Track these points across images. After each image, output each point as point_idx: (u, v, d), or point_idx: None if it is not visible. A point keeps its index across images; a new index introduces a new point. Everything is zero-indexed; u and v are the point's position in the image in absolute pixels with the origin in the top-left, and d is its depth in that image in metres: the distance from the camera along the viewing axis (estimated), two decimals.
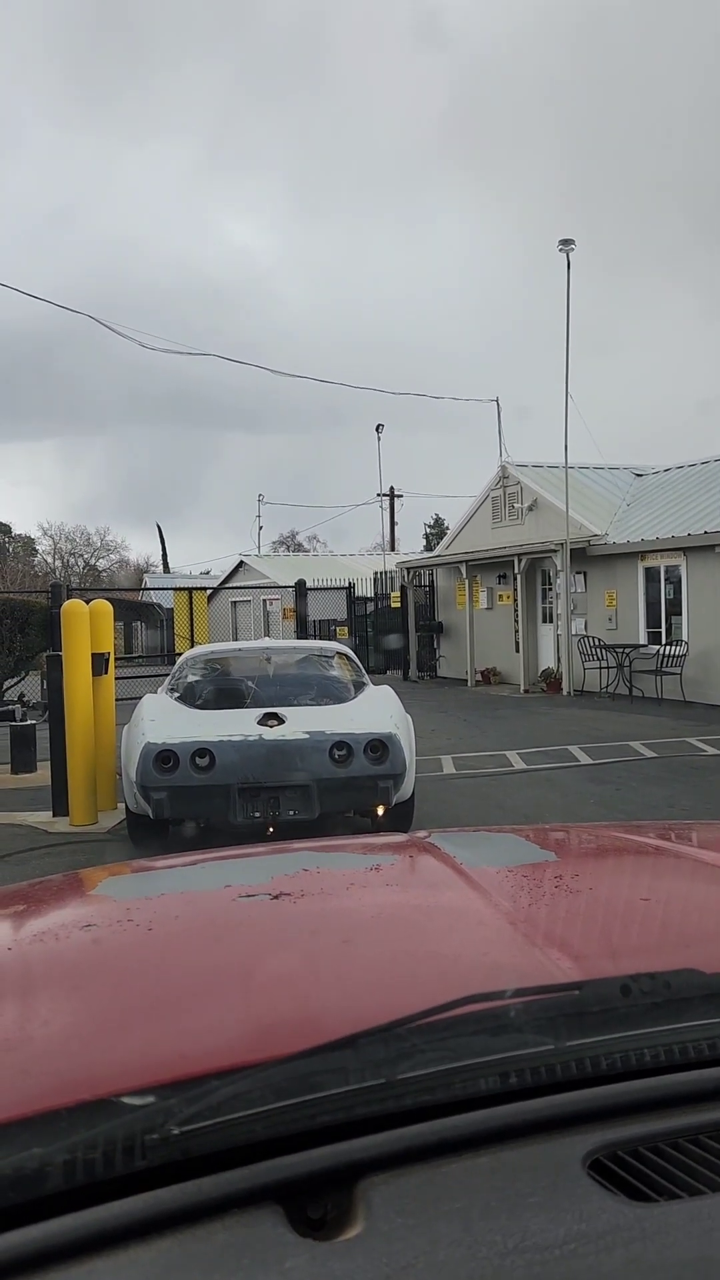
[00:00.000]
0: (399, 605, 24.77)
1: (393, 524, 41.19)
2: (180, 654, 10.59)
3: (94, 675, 8.24)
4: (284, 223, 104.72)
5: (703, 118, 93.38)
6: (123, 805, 7.55)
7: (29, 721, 11.41)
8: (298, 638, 14.74)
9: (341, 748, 6.51)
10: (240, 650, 8.73)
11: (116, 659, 9.75)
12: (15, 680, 16.83)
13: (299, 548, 57.91)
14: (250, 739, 6.53)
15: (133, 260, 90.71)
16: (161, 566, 58.86)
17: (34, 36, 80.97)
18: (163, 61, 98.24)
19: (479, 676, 21.67)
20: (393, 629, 24.71)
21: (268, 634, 26.93)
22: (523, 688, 19.75)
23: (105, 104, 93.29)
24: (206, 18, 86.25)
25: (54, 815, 8.39)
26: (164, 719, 6.88)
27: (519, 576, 20.06)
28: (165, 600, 29.11)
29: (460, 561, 22.21)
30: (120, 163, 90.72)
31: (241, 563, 36.28)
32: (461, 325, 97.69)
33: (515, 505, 21.40)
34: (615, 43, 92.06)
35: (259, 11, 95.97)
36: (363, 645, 23.38)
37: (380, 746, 6.56)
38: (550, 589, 20.17)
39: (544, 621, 20.54)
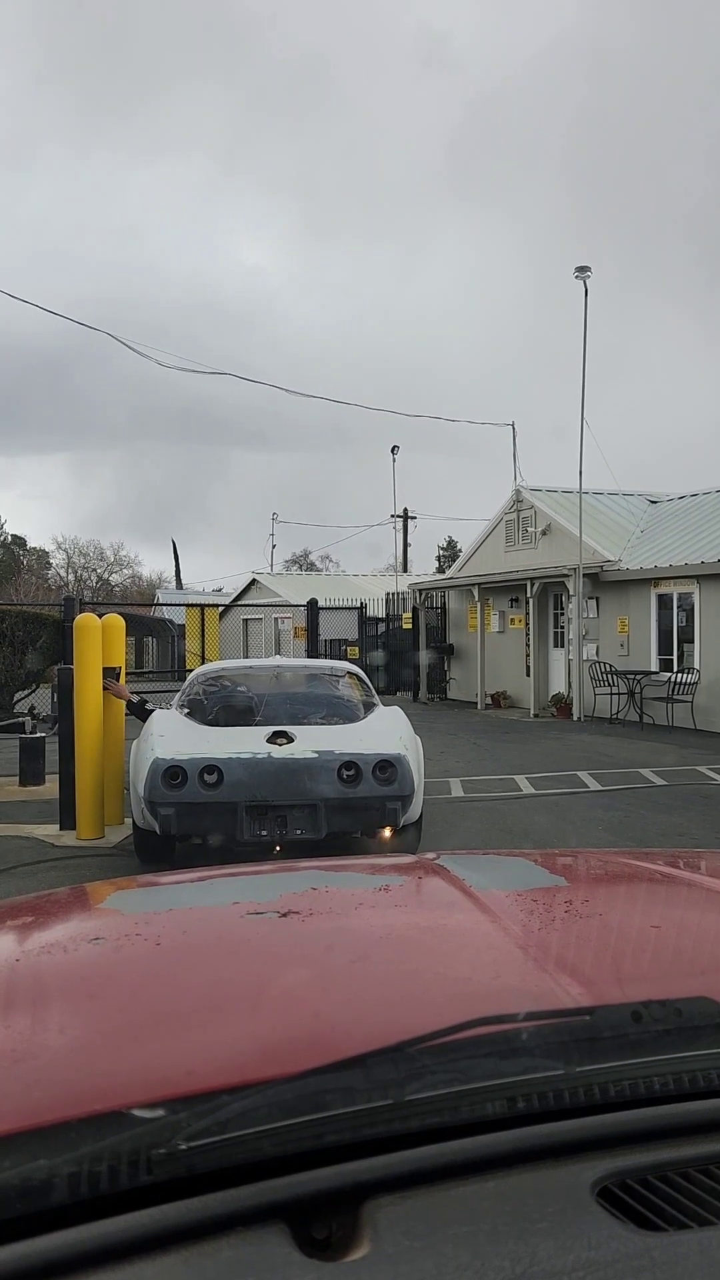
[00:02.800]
0: (410, 626, 24.77)
1: (405, 545, 41.30)
2: (191, 670, 10.60)
3: (104, 689, 8.26)
4: (292, 245, 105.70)
5: (706, 143, 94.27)
6: (130, 820, 7.54)
7: (38, 734, 11.42)
8: (308, 657, 14.74)
9: (350, 768, 6.50)
10: (251, 668, 8.73)
11: (127, 674, 9.76)
12: (26, 692, 16.87)
13: (311, 567, 58.11)
14: (259, 757, 6.53)
15: (140, 278, 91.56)
16: (175, 582, 59.02)
17: (47, 58, 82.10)
18: (173, 85, 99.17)
19: (489, 700, 21.62)
20: (404, 650, 24.71)
21: (278, 652, 26.97)
22: (533, 712, 19.70)
23: (117, 125, 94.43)
24: (216, 42, 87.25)
25: (61, 828, 8.38)
26: (173, 735, 6.88)
27: (531, 600, 20.06)
28: (177, 616, 29.18)
29: (472, 584, 22.22)
30: (131, 182, 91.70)
31: (254, 580, 36.38)
32: (468, 348, 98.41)
33: (529, 529, 21.42)
34: (621, 72, 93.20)
35: (268, 37, 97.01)
36: (373, 665, 23.36)
37: (389, 767, 6.54)
38: (562, 614, 20.15)
39: (555, 646, 20.51)
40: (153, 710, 7.82)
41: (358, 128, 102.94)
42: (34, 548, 64.14)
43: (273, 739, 6.72)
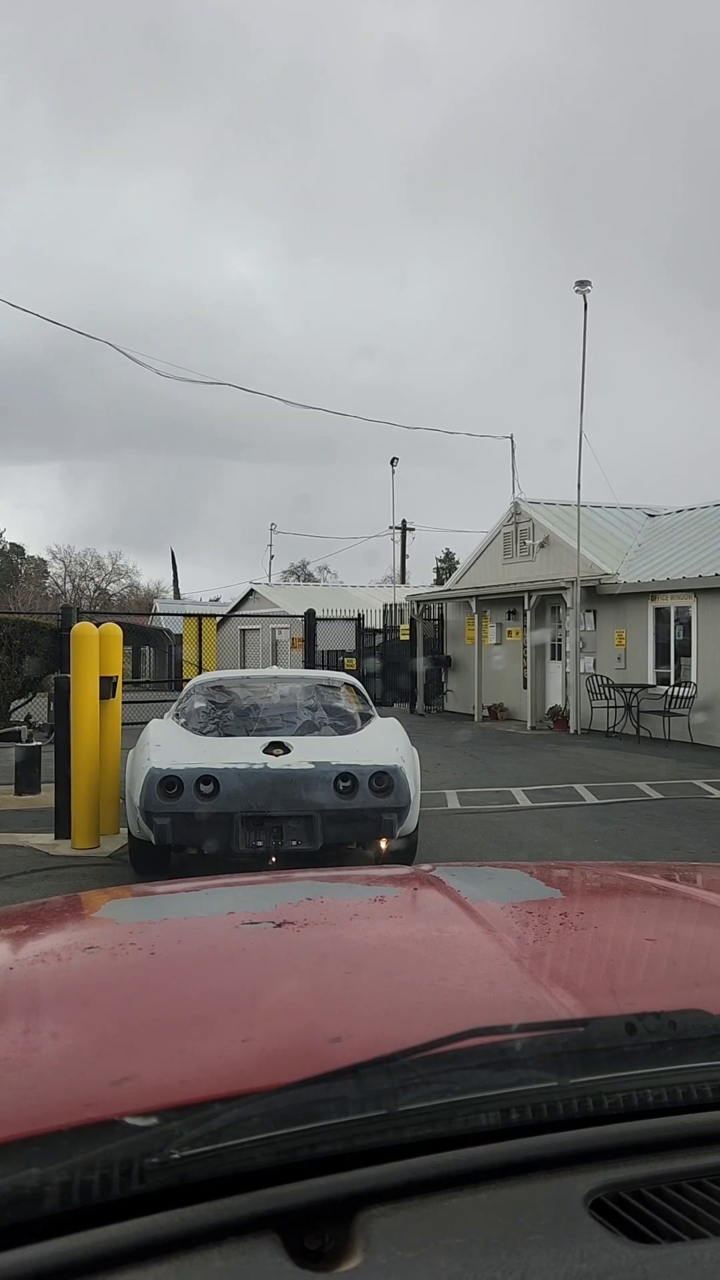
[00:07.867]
0: (408, 638, 24.78)
1: (404, 557, 41.32)
2: (188, 680, 10.61)
3: (101, 699, 8.25)
4: (278, 259, 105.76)
5: (685, 152, 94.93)
6: (125, 830, 7.52)
7: (34, 743, 11.40)
8: (305, 667, 14.74)
9: (346, 779, 6.49)
10: (248, 678, 8.72)
11: (124, 683, 9.75)
12: (23, 701, 16.85)
13: (309, 578, 58.13)
14: (255, 767, 6.52)
15: (124, 289, 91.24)
16: (172, 592, 58.98)
17: (28, 73, 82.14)
18: (149, 103, 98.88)
19: (486, 712, 21.62)
20: (401, 661, 24.70)
21: (276, 662, 26.94)
22: (529, 725, 19.69)
23: (101, 141, 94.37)
24: (195, 60, 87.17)
25: (56, 838, 8.36)
26: (169, 745, 6.87)
27: (529, 613, 20.07)
28: (174, 626, 29.15)
29: (470, 596, 22.23)
30: (117, 195, 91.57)
31: (252, 591, 36.37)
32: (457, 360, 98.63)
33: (527, 542, 21.46)
34: (600, 86, 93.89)
35: (251, 55, 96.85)
36: (370, 676, 23.35)
37: (385, 779, 6.53)
38: (560, 626, 20.17)
39: (552, 659, 20.51)
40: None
41: (343, 142, 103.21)
42: (31, 556, 64.19)
43: (269, 749, 6.71)
